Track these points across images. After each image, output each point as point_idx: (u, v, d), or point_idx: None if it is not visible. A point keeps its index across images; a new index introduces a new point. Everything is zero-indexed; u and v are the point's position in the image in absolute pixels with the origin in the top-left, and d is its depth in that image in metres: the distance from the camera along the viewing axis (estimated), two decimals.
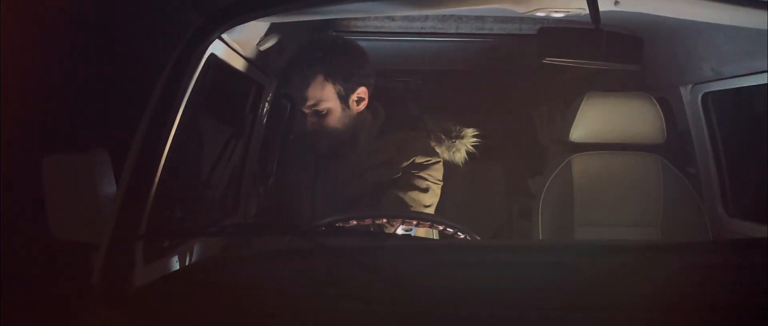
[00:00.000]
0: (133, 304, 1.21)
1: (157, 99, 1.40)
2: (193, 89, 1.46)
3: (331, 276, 1.23)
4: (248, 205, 2.43)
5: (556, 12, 1.55)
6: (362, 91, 2.00)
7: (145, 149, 1.35)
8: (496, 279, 1.28)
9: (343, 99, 1.97)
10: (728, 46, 2.12)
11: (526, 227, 2.71)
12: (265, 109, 2.44)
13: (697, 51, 2.27)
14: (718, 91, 2.38)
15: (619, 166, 2.45)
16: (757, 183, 2.42)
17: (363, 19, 2.36)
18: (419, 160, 2.00)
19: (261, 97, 2.39)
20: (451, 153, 2.11)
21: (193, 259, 1.62)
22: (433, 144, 2.08)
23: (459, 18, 2.31)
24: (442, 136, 2.11)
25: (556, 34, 1.83)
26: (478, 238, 1.65)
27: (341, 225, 1.60)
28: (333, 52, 1.95)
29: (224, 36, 1.60)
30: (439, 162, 2.04)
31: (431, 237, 1.97)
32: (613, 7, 1.51)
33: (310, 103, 1.96)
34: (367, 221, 1.69)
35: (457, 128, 2.13)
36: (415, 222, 1.73)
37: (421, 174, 1.98)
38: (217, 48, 1.58)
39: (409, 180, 1.97)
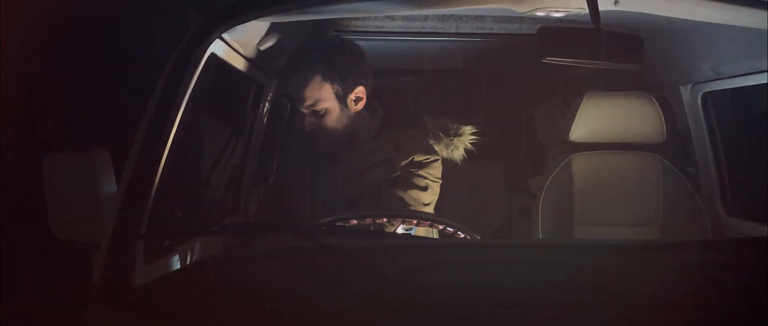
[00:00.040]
0: (134, 303, 1.21)
1: (157, 98, 1.40)
2: (193, 89, 1.46)
3: (331, 276, 1.23)
4: (248, 205, 2.43)
5: (556, 12, 1.55)
6: (360, 91, 2.00)
7: (146, 148, 1.35)
8: (496, 278, 1.28)
9: (341, 99, 1.97)
10: (728, 46, 2.12)
11: (526, 226, 2.71)
12: (265, 109, 2.44)
13: (697, 51, 2.27)
14: (718, 90, 2.39)
15: (619, 166, 2.45)
16: (756, 183, 2.42)
17: (363, 18, 2.36)
18: (418, 158, 2.00)
19: (261, 96, 2.39)
20: (450, 151, 2.11)
21: (194, 259, 1.62)
22: (431, 142, 2.08)
23: (459, 18, 2.32)
24: (441, 134, 2.11)
25: (556, 34, 1.84)
26: (478, 238, 1.65)
27: (342, 224, 1.60)
28: (331, 52, 1.95)
29: (225, 35, 1.60)
30: (437, 160, 2.04)
31: (431, 236, 1.97)
32: (613, 7, 1.51)
33: (308, 103, 1.96)
34: (368, 220, 1.69)
35: (455, 126, 2.13)
36: (415, 222, 1.73)
37: (420, 172, 1.98)
38: (217, 47, 1.58)
39: (408, 179, 1.97)
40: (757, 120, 2.50)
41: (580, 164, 2.44)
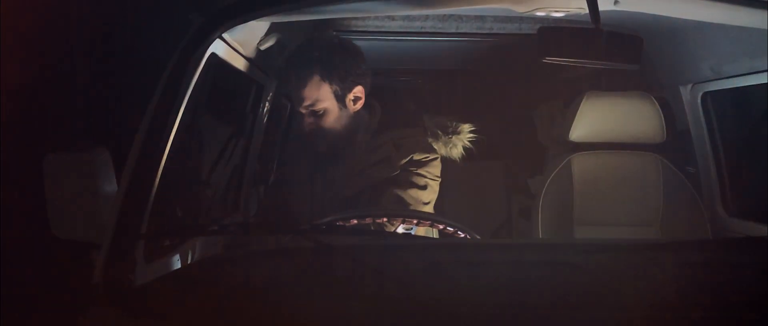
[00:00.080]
0: (134, 303, 1.21)
1: (158, 98, 1.40)
2: (194, 88, 1.46)
3: (331, 276, 1.24)
4: (248, 204, 2.43)
5: (556, 12, 1.55)
6: (359, 90, 2.00)
7: (146, 148, 1.35)
8: (496, 277, 1.28)
9: (340, 98, 1.97)
10: (728, 46, 2.13)
11: (526, 226, 2.71)
12: (265, 109, 2.44)
13: (697, 51, 2.27)
14: (718, 90, 2.39)
15: (619, 166, 2.45)
16: (756, 182, 2.42)
17: (363, 18, 2.36)
18: (417, 157, 2.00)
19: (261, 96, 2.39)
20: (448, 149, 2.11)
21: (194, 258, 1.62)
22: (429, 140, 2.08)
23: (459, 18, 2.32)
24: (439, 132, 2.11)
25: (556, 34, 1.83)
26: (478, 237, 1.65)
27: (342, 224, 1.60)
28: (329, 52, 1.95)
29: (225, 35, 1.61)
30: (436, 158, 2.04)
31: (431, 236, 1.97)
32: (613, 7, 1.51)
33: (306, 103, 1.96)
34: (368, 220, 1.69)
35: (454, 124, 2.13)
36: (415, 222, 1.73)
37: (420, 171, 1.98)
38: (218, 47, 1.58)
39: (407, 178, 1.97)
40: (757, 120, 2.50)
41: (580, 164, 2.44)
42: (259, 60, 2.03)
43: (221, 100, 2.21)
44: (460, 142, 2.12)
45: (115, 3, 2.38)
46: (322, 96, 1.95)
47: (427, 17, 2.31)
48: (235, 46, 1.78)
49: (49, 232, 1.39)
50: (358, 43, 2.08)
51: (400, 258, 1.36)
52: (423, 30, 2.39)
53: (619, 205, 2.42)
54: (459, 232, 1.63)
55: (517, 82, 3.44)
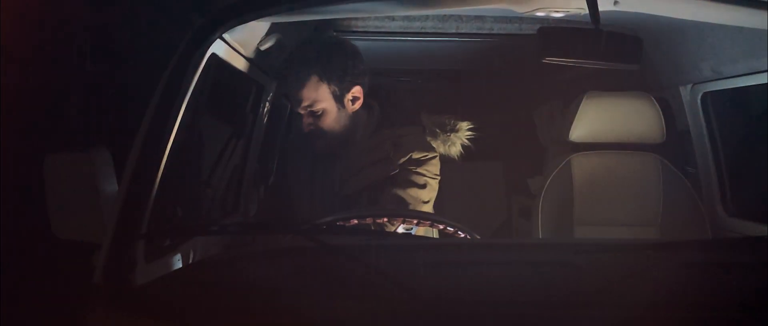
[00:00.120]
0: (135, 303, 1.21)
1: (158, 98, 1.40)
2: (194, 89, 1.46)
3: (331, 276, 1.24)
4: (249, 204, 2.43)
5: (556, 12, 1.55)
6: (357, 91, 2.00)
7: (147, 148, 1.35)
8: (496, 278, 1.28)
9: (338, 99, 1.98)
10: (728, 46, 2.13)
11: (526, 226, 2.71)
12: (265, 109, 2.44)
13: (697, 51, 2.27)
14: (718, 90, 2.39)
15: (619, 166, 2.45)
16: (756, 182, 2.42)
17: (363, 19, 2.36)
18: (416, 155, 2.00)
19: (261, 96, 2.39)
20: (447, 147, 2.11)
21: (194, 258, 1.62)
22: (428, 138, 2.08)
23: (459, 18, 2.32)
24: (437, 130, 2.11)
25: (556, 34, 1.84)
26: (479, 237, 1.65)
27: (342, 224, 1.60)
28: (327, 53, 1.96)
29: (225, 36, 1.61)
30: (435, 157, 2.04)
31: (431, 236, 1.97)
32: (613, 7, 1.51)
33: (305, 103, 1.96)
34: (368, 220, 1.69)
35: (452, 122, 2.13)
36: (415, 221, 1.73)
37: (419, 169, 1.99)
38: (218, 48, 1.58)
39: (406, 177, 1.97)
40: (757, 120, 2.50)
41: (580, 164, 2.45)
42: (259, 60, 2.03)
43: (221, 100, 2.21)
44: (458, 140, 2.12)
45: (116, 3, 2.38)
46: (320, 96, 1.96)
47: (427, 17, 2.32)
48: (236, 46, 1.78)
49: (49, 232, 1.39)
50: (358, 43, 2.08)
51: (399, 259, 1.36)
52: (423, 30, 2.39)
53: (619, 205, 2.42)
54: (459, 232, 1.63)
55: (517, 82, 3.45)
